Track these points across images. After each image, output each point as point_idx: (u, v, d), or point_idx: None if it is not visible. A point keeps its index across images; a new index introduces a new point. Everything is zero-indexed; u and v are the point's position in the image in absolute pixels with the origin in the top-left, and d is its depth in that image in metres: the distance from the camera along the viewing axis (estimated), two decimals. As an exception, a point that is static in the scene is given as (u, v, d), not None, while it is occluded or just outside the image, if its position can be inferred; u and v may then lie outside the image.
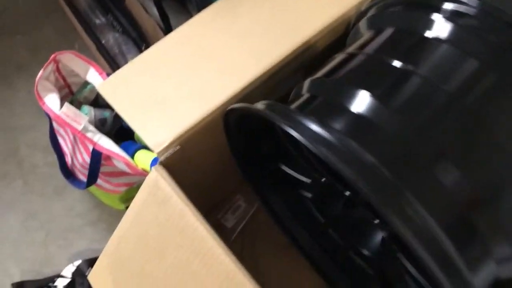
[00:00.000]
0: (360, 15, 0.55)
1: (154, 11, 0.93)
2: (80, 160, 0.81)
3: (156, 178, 0.48)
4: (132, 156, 0.74)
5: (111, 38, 1.04)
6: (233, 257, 0.42)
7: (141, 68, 0.58)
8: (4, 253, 0.89)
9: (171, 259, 0.46)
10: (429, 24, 0.45)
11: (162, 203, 0.47)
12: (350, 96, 0.43)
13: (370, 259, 0.52)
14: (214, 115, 0.52)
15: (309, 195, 0.55)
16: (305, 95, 0.48)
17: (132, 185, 0.86)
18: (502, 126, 0.40)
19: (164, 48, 0.59)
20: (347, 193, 0.47)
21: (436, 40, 0.44)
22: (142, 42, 1.04)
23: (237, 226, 0.68)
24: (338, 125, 0.42)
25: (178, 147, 0.50)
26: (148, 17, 0.95)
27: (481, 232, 0.37)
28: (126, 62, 1.01)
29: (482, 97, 0.41)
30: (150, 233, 0.49)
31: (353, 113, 0.42)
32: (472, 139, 0.40)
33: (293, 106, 0.47)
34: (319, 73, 0.49)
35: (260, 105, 0.45)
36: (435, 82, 0.42)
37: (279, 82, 0.56)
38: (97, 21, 1.06)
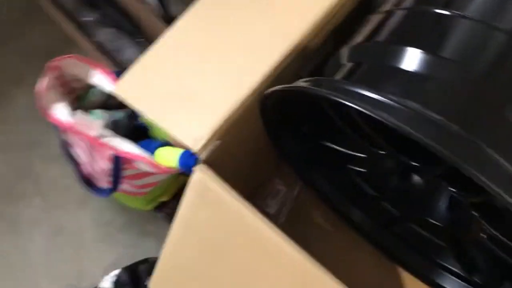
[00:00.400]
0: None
1: (148, -1, 0.87)
2: (99, 167, 0.78)
3: (203, 179, 0.45)
4: (154, 155, 0.71)
5: (104, 35, 0.99)
6: (305, 254, 0.39)
7: (156, 62, 0.54)
8: (37, 274, 0.86)
9: (235, 260, 0.43)
10: None
11: (214, 205, 0.44)
12: (398, 55, 0.40)
13: (439, 228, 0.49)
14: (249, 101, 0.48)
15: (362, 169, 0.52)
16: (348, 65, 0.44)
17: (156, 184, 0.83)
18: None
19: (177, 37, 0.54)
20: (414, 163, 0.43)
21: None
22: (138, 34, 0.99)
23: (281, 211, 0.65)
24: (394, 88, 0.39)
25: (218, 142, 0.47)
26: (142, 6, 0.90)
27: None
28: (123, 57, 0.97)
29: None
30: (207, 236, 0.46)
31: (407, 72, 0.38)
32: None
33: (338, 77, 0.43)
34: (358, 39, 0.45)
35: (303, 83, 0.41)
36: (488, 22, 0.39)
37: (309, 56, 0.52)
38: (87, 19, 1.01)
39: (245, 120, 0.49)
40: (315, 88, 0.39)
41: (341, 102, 0.36)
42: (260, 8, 0.53)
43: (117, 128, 0.79)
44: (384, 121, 0.34)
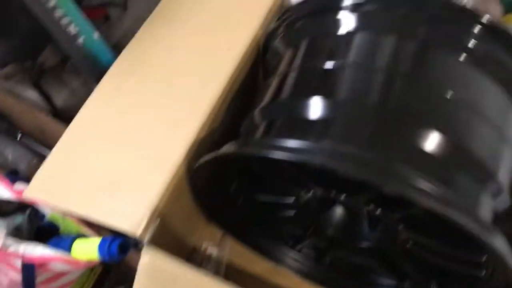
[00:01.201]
0: (269, 35, 0.57)
1: (27, 94, 0.84)
2: (6, 282, 0.70)
3: (153, 260, 0.45)
4: (69, 251, 0.67)
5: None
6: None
7: (69, 155, 0.53)
8: None
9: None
10: (337, 22, 0.49)
11: (171, 283, 0.44)
12: (304, 106, 0.45)
13: (367, 249, 0.55)
14: (180, 173, 0.49)
15: (291, 213, 0.56)
16: (263, 123, 0.49)
17: (73, 282, 0.77)
18: (437, 80, 0.45)
19: (86, 123, 0.55)
20: (343, 197, 0.49)
21: (350, 32, 0.48)
22: (16, 130, 0.93)
23: (218, 274, 0.65)
24: (309, 133, 0.44)
25: (158, 220, 0.47)
26: (19, 102, 0.86)
27: (472, 177, 0.42)
28: (8, 159, 0.90)
29: (410, 61, 0.46)
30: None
31: (315, 119, 0.44)
32: (418, 98, 0.44)
33: (259, 136, 0.47)
34: (266, 100, 0.50)
35: (231, 147, 0.44)
36: (367, 65, 0.46)
37: (219, 125, 0.56)
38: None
39: (179, 193, 0.50)
40: (245, 149, 0.43)
41: (270, 156, 0.40)
42: (169, 84, 0.56)
43: (20, 233, 0.73)
44: (311, 163, 0.39)
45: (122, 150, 0.52)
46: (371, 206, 0.48)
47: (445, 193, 0.38)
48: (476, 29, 0.46)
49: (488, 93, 0.46)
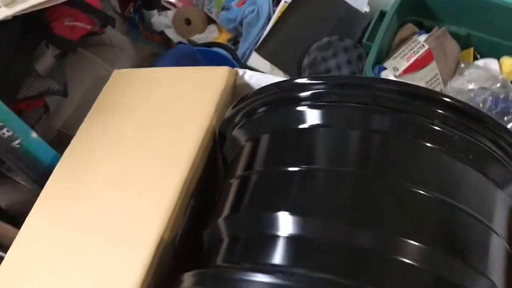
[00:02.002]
0: (226, 123, 0.52)
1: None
2: None
3: None
4: None
5: None
6: None
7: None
8: None
9: None
10: (297, 115, 0.45)
11: None
12: (272, 223, 0.40)
13: None
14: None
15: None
16: (226, 240, 0.43)
17: None
18: (416, 177, 0.40)
19: (37, 235, 0.49)
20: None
21: (311, 128, 0.44)
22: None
23: None
24: (280, 258, 0.38)
25: None
26: None
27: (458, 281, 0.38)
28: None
29: (381, 158, 0.42)
30: None
31: (285, 237, 0.39)
32: (396, 201, 0.39)
33: (220, 260, 0.42)
34: (227, 210, 0.44)
35: (188, 279, 0.39)
36: (336, 169, 0.41)
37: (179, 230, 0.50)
38: None
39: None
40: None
41: None
42: (121, 186, 0.51)
43: None
44: None
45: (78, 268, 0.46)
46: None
47: None
48: (439, 111, 0.41)
49: (464, 180, 0.42)
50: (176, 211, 0.48)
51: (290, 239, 0.39)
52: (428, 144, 0.41)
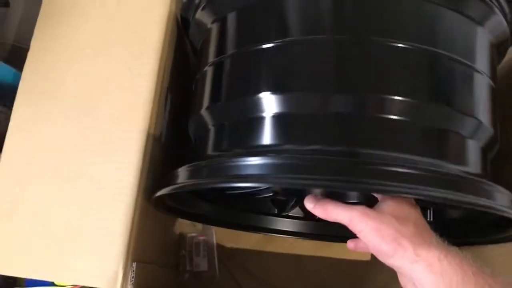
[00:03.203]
0: (186, 6, 0.48)
1: None
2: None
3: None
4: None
5: None
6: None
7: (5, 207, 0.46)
8: None
9: None
10: None
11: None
12: (256, 105, 0.39)
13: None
14: (139, 202, 0.44)
15: (270, 193, 0.52)
16: (212, 129, 0.43)
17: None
18: (386, 29, 0.38)
19: (18, 162, 0.47)
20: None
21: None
22: None
23: (213, 261, 0.63)
24: (269, 138, 0.38)
25: (134, 264, 0.43)
26: None
27: (447, 127, 0.39)
28: None
29: (357, 18, 0.39)
30: None
31: (270, 118, 0.39)
32: (375, 59, 0.38)
33: (211, 148, 0.42)
34: (206, 100, 0.43)
35: (187, 179, 0.39)
36: (311, 37, 0.39)
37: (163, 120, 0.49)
38: None
39: (144, 222, 0.46)
40: (203, 183, 0.37)
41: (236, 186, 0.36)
42: (91, 96, 0.48)
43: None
44: (280, 185, 0.34)
45: (68, 195, 0.45)
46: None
47: (426, 170, 0.34)
48: None
49: (440, 23, 0.40)
50: (156, 106, 0.47)
51: (276, 118, 0.38)
52: None
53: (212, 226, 0.65)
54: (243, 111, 0.40)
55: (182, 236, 0.65)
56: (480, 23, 0.42)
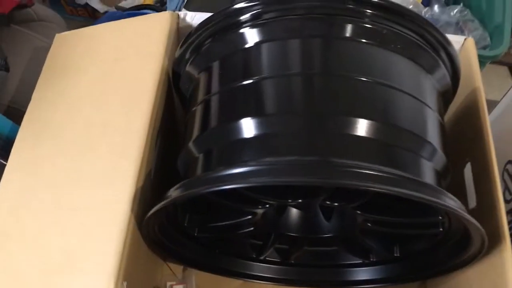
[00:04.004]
0: (178, 61, 0.56)
1: None
2: None
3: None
4: None
5: None
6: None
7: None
8: None
9: None
10: (242, 37, 0.50)
11: None
12: (237, 129, 0.45)
13: (331, 238, 0.57)
14: (130, 228, 0.47)
15: (250, 228, 0.56)
16: (200, 155, 0.48)
17: None
18: (350, 67, 0.47)
19: (13, 198, 0.50)
20: (299, 201, 0.50)
21: (256, 44, 0.49)
22: None
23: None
24: (248, 155, 0.45)
25: (125, 283, 0.45)
26: None
27: (406, 147, 0.45)
28: None
29: (320, 58, 0.48)
30: None
31: (249, 139, 0.45)
32: (339, 90, 0.46)
33: (199, 170, 0.47)
34: (196, 132, 0.49)
35: (177, 191, 0.43)
36: (282, 73, 0.47)
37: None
38: None
39: (135, 246, 0.49)
40: (193, 189, 0.42)
41: (224, 189, 0.40)
42: (88, 141, 0.53)
43: None
44: (261, 183, 0.40)
45: (61, 223, 0.48)
46: (327, 203, 0.49)
47: (388, 173, 0.41)
48: (368, 10, 0.48)
49: (396, 66, 0.49)
50: (148, 146, 0.52)
51: (256, 138, 0.44)
52: (363, 40, 0.48)
53: (193, 274, 0.66)
54: (227, 136, 0.45)
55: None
56: (429, 71, 0.52)
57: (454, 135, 0.59)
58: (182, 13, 0.61)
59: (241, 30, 0.50)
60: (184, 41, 0.54)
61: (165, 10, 1.02)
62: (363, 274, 0.61)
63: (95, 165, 0.51)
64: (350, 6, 0.48)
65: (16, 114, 0.61)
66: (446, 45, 0.51)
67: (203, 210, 0.55)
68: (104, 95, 0.57)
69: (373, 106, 0.46)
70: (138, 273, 0.53)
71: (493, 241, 0.47)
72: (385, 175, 0.39)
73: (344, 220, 0.55)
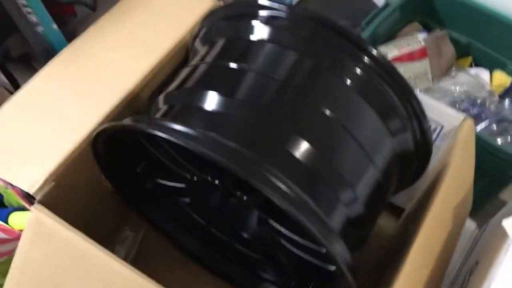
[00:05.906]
0: (194, 38, 0.63)
1: (-1, 77, 0.91)
2: None
3: (37, 216, 0.49)
4: (6, 222, 0.72)
5: None
6: (137, 271, 0.46)
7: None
8: None
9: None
10: (251, 29, 0.55)
11: (49, 238, 0.48)
12: (201, 98, 0.50)
13: (252, 241, 0.59)
14: (84, 145, 0.54)
15: (187, 200, 0.60)
16: (163, 107, 0.54)
17: (11, 253, 0.82)
18: (323, 98, 0.50)
19: (18, 102, 0.60)
20: (217, 182, 0.53)
21: (259, 41, 0.54)
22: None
23: (128, 255, 0.69)
24: (199, 123, 0.49)
25: (53, 183, 0.52)
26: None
27: (329, 185, 0.46)
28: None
29: (304, 78, 0.51)
30: (45, 273, 0.49)
31: (208, 111, 0.49)
32: (303, 111, 0.49)
33: (155, 116, 0.53)
34: (171, 87, 0.55)
35: (125, 121, 0.50)
36: (266, 74, 0.51)
37: (140, 107, 0.61)
38: None
39: (84, 163, 0.55)
40: (135, 123, 0.47)
41: (156, 134, 0.44)
42: (92, 64, 0.62)
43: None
44: (191, 148, 0.43)
45: (43, 121, 0.57)
46: (238, 193, 0.52)
47: (298, 195, 0.43)
48: (365, 59, 0.51)
49: (364, 117, 0.51)
50: (135, 91, 0.59)
51: (212, 112, 0.48)
52: (347, 81, 0.51)
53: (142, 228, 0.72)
54: (192, 99, 0.50)
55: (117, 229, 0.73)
56: (393, 135, 0.53)
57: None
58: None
59: (253, 23, 0.54)
60: (204, 19, 0.61)
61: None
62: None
63: (90, 91, 0.59)
64: (351, 47, 0.51)
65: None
66: (420, 116, 0.53)
67: (153, 166, 0.60)
68: (129, 44, 0.65)
69: (323, 137, 0.49)
70: (79, 190, 0.59)
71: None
72: (291, 195, 0.42)
73: (263, 229, 0.56)
